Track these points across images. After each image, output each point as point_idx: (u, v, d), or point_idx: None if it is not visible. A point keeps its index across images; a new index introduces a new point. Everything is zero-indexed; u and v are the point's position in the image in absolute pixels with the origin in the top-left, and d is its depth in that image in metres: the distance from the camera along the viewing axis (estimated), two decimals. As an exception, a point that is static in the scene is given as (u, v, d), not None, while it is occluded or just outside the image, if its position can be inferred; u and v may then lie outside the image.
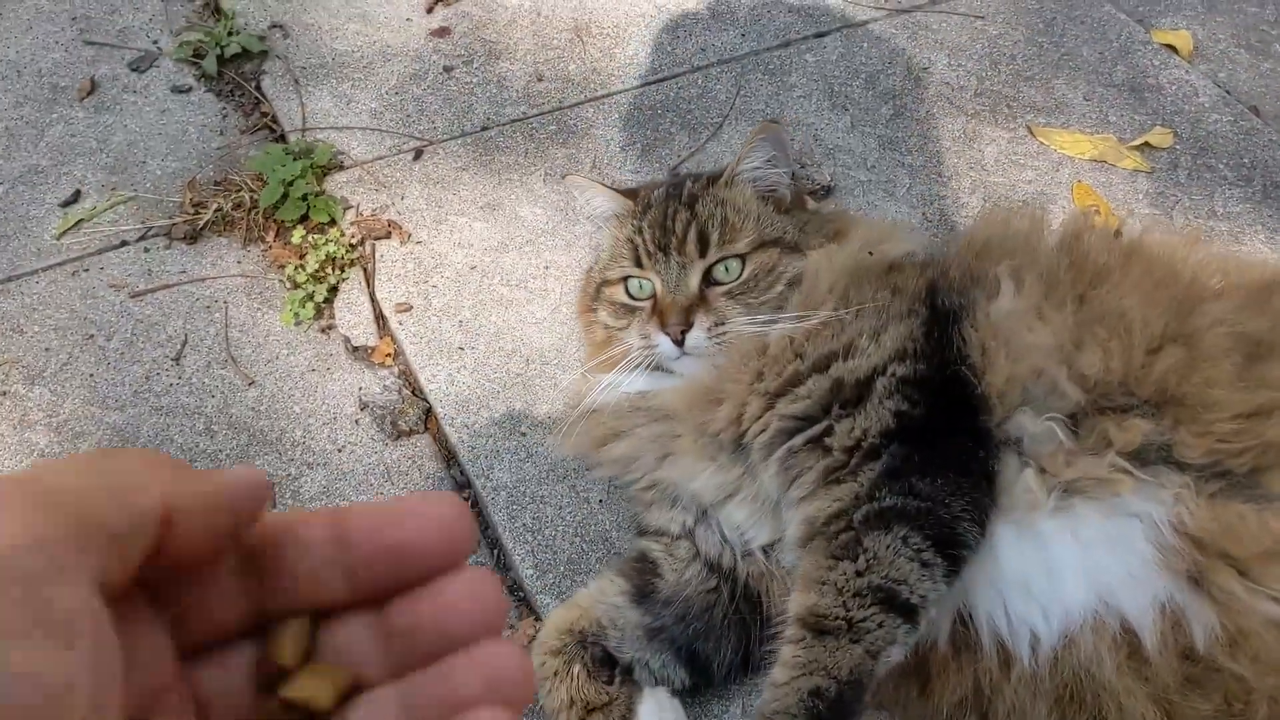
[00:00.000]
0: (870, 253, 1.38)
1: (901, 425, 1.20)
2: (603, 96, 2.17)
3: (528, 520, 1.52)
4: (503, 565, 1.50)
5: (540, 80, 2.21)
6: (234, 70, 2.24)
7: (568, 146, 2.07)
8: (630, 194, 1.51)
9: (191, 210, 1.95)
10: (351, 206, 1.95)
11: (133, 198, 1.99)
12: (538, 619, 1.43)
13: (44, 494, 0.36)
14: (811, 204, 1.67)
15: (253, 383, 1.71)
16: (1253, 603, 1.11)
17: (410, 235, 1.90)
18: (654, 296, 1.39)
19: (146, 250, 1.90)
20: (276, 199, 1.90)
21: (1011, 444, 1.21)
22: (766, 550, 1.32)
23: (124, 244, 1.91)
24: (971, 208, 1.95)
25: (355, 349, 1.75)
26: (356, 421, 1.66)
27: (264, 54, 2.26)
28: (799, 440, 1.23)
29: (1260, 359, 1.21)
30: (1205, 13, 2.39)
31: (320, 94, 2.17)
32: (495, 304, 1.80)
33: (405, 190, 1.99)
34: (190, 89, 2.21)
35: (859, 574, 1.12)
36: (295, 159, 1.95)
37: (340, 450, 1.62)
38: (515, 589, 1.48)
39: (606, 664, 1.29)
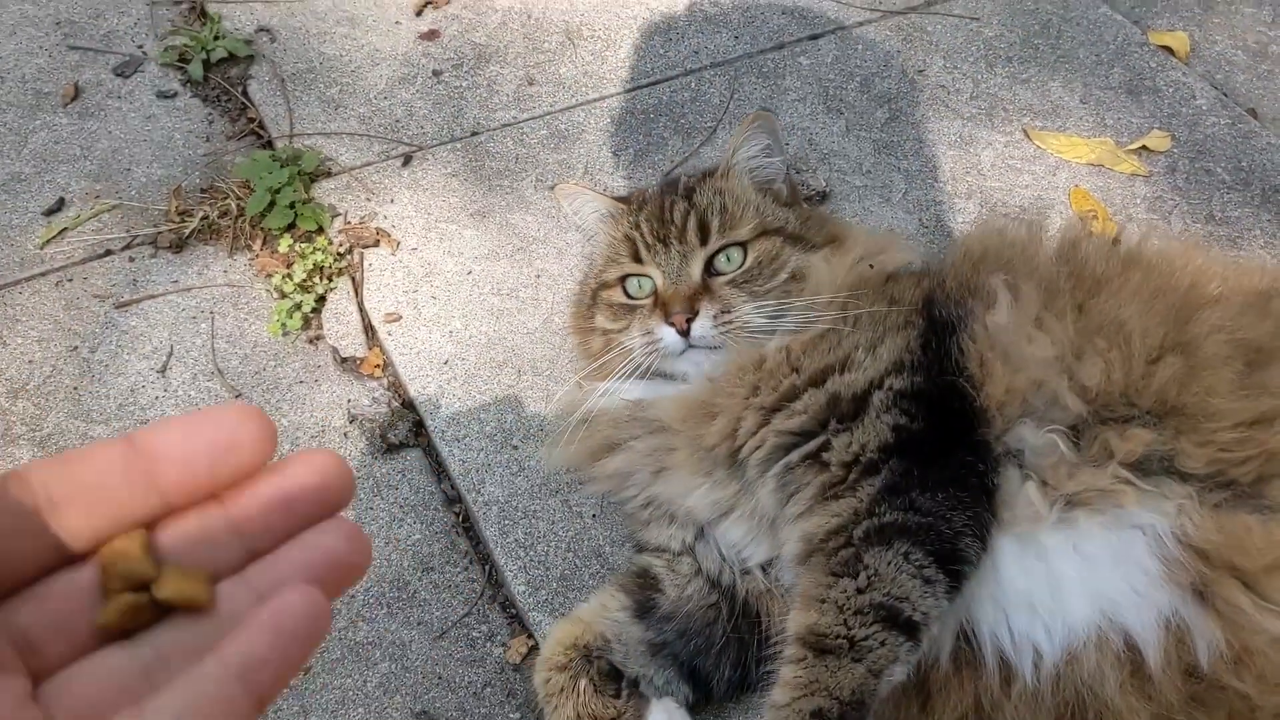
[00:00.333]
0: (871, 265, 1.36)
1: (900, 440, 1.18)
2: (594, 100, 2.15)
3: (520, 536, 1.50)
4: (494, 582, 1.48)
5: (531, 84, 2.18)
6: (220, 75, 2.21)
7: (559, 152, 2.05)
8: (622, 200, 1.49)
9: (177, 218, 1.92)
10: (339, 214, 1.92)
11: (117, 206, 1.96)
12: (530, 636, 1.41)
13: None
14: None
15: (239, 395, 1.68)
16: (1259, 618, 1.09)
17: (399, 243, 1.87)
18: (654, 293, 1.37)
19: (131, 259, 1.87)
20: (263, 207, 1.88)
21: (1012, 456, 1.19)
22: (765, 568, 1.30)
23: (108, 253, 1.88)
24: (968, 213, 1.93)
25: (344, 360, 1.72)
26: (345, 434, 1.63)
27: (250, 58, 2.23)
28: (796, 456, 1.21)
29: (1261, 366, 1.19)
30: (1202, 14, 2.37)
31: (308, 99, 2.14)
32: (486, 314, 1.77)
33: (394, 197, 1.96)
34: (176, 94, 2.18)
35: (860, 591, 1.10)
36: (282, 166, 1.92)
37: (329, 463, 1.59)
38: (508, 606, 1.46)
39: (613, 677, 1.27)
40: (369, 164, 2.02)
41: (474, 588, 1.47)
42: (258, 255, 1.87)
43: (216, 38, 2.23)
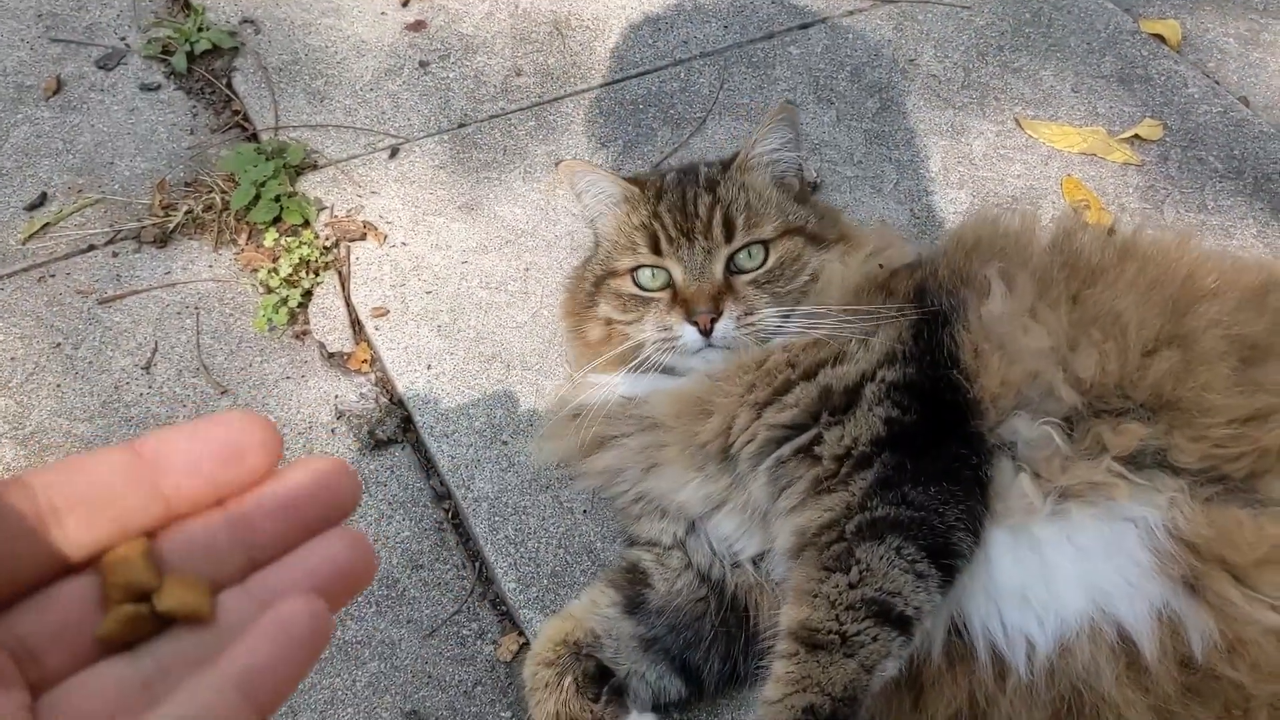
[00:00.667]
0: (881, 265, 1.35)
1: (892, 432, 1.17)
2: (583, 91, 2.13)
3: (510, 532, 1.48)
4: (485, 579, 1.47)
5: (519, 75, 2.16)
6: (204, 67, 2.18)
7: (547, 143, 2.03)
8: (633, 181, 1.43)
9: (161, 213, 1.89)
10: (326, 207, 1.90)
11: (100, 200, 1.93)
12: (521, 633, 1.40)
13: None
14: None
15: (225, 391, 1.66)
16: (1250, 610, 1.09)
17: (386, 237, 1.85)
18: (670, 286, 1.33)
19: (115, 254, 1.85)
20: (248, 200, 1.85)
21: (1005, 448, 1.19)
22: (756, 561, 1.29)
23: (91, 248, 1.86)
24: (960, 203, 1.92)
25: (331, 355, 1.70)
26: (333, 431, 1.61)
27: (235, 50, 2.20)
28: (787, 449, 1.20)
29: (1257, 362, 1.19)
30: (1193, 1, 2.36)
31: (293, 91, 2.12)
32: (474, 307, 1.76)
33: (381, 190, 1.94)
34: (159, 87, 2.15)
35: (852, 586, 1.10)
36: (267, 159, 1.90)
37: (316, 460, 1.58)
38: (498, 603, 1.44)
39: (597, 681, 1.26)
40: (355, 157, 2.00)
41: (464, 585, 1.46)
42: (243, 249, 1.85)
43: (200, 29, 2.20)
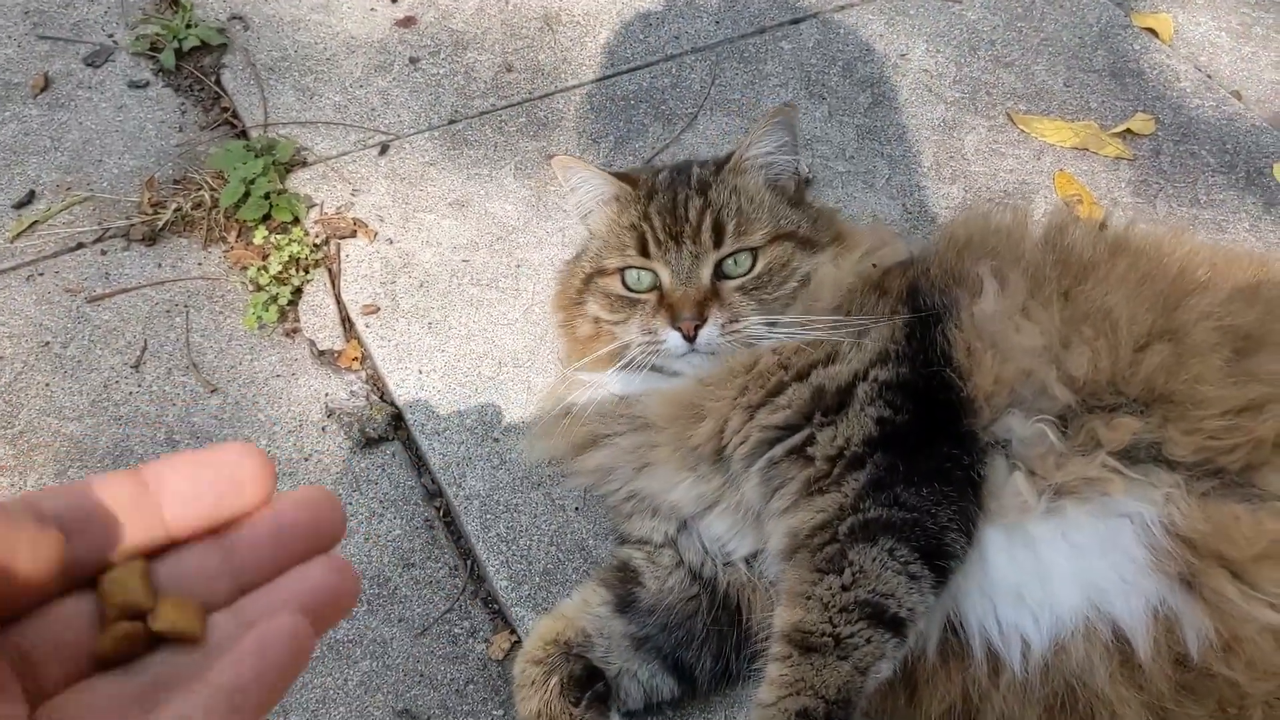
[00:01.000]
0: (874, 265, 1.34)
1: (884, 432, 1.17)
2: (574, 87, 2.12)
3: (502, 530, 1.47)
4: (477, 577, 1.46)
5: (509, 71, 2.15)
6: (193, 64, 2.16)
7: (538, 139, 2.02)
8: (625, 178, 1.41)
9: (150, 210, 1.88)
10: (316, 205, 1.89)
11: (89, 198, 1.92)
12: (513, 631, 1.39)
13: None
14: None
15: (215, 390, 1.65)
16: (1247, 607, 1.08)
17: (376, 234, 1.84)
18: (657, 289, 1.32)
19: (104, 253, 1.84)
20: (238, 198, 1.84)
21: (999, 447, 1.18)
22: (749, 561, 1.29)
23: (80, 246, 1.85)
24: (952, 198, 1.91)
25: (321, 353, 1.70)
26: (323, 429, 1.60)
27: (224, 47, 2.19)
28: (780, 450, 1.19)
29: (1249, 353, 1.18)
30: (1185, -5, 2.36)
31: (282, 88, 2.10)
32: (465, 305, 1.75)
33: (371, 187, 1.93)
34: (148, 84, 2.14)
35: (845, 588, 1.09)
36: (257, 156, 1.89)
37: (307, 459, 1.57)
38: (490, 601, 1.44)
39: (583, 683, 1.25)
40: (345, 153, 1.98)
41: (455, 583, 1.45)
42: (232, 247, 1.84)
43: (189, 26, 2.19)
